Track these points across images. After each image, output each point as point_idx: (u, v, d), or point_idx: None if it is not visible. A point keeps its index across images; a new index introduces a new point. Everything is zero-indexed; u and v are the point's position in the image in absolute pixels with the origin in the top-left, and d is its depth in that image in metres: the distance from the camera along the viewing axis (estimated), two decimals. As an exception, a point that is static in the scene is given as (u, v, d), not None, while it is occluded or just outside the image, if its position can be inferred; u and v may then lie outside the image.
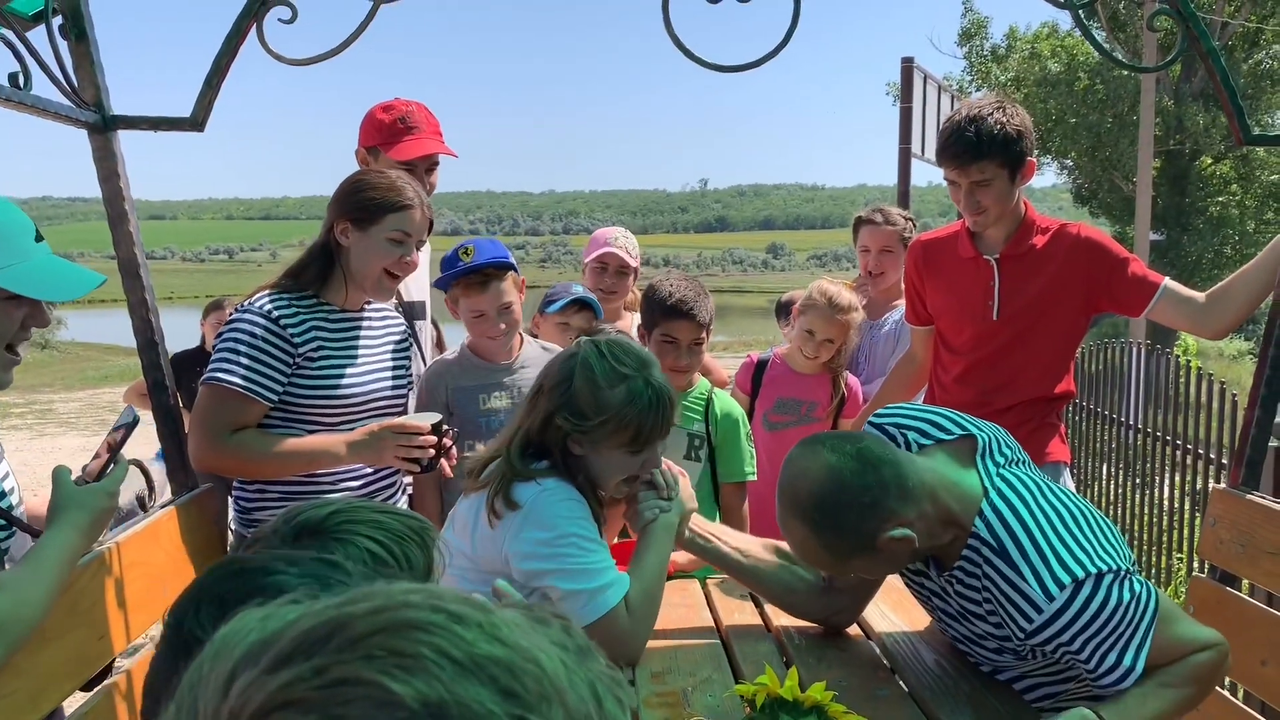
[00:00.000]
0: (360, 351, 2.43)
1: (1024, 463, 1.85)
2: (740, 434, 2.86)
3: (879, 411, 1.97)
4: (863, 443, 1.71)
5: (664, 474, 2.06)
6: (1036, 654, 1.73)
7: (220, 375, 2.25)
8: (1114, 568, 1.63)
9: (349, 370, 2.38)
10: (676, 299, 2.79)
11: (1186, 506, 5.51)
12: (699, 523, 2.14)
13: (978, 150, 2.61)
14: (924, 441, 1.82)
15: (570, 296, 3.16)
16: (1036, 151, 2.76)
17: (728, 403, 2.91)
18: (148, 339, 2.44)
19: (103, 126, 2.34)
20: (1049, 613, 1.62)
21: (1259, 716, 2.23)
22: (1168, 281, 2.74)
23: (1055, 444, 2.84)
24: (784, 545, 2.26)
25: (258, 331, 2.27)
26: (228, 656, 0.51)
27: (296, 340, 2.30)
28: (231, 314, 2.36)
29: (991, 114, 2.62)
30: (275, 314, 2.30)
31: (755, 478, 2.90)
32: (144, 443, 3.10)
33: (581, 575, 1.83)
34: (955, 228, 2.90)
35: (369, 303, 2.50)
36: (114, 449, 1.84)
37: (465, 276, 2.68)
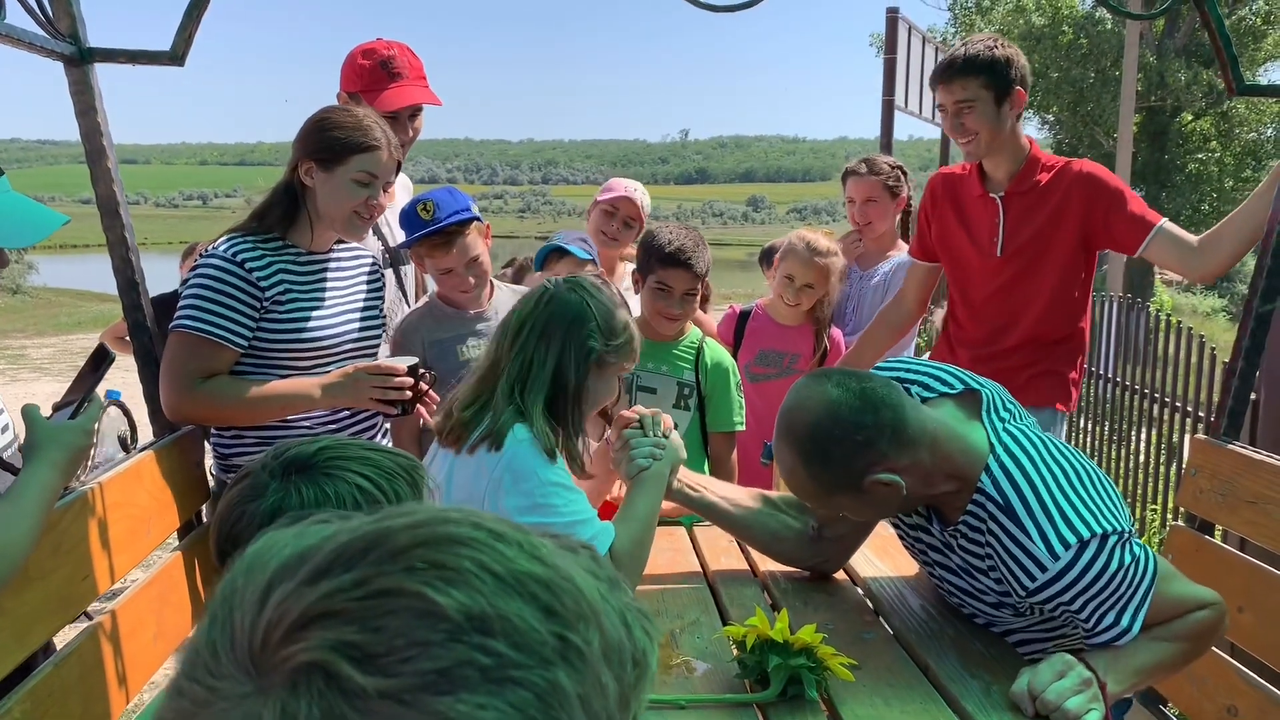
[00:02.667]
0: (329, 294, 2.38)
1: (1022, 418, 1.85)
2: (730, 383, 2.86)
3: (881, 364, 1.97)
4: (869, 382, 1.71)
5: (656, 421, 2.05)
6: (1035, 611, 1.74)
7: (188, 322, 2.21)
8: (1118, 529, 1.64)
9: (317, 313, 2.34)
10: (675, 247, 2.77)
11: (1162, 459, 5.58)
12: (686, 473, 2.14)
13: (963, 67, 2.72)
14: (927, 395, 1.82)
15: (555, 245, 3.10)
16: (1024, 89, 2.78)
17: (719, 352, 2.90)
18: (128, 279, 2.40)
19: (79, 59, 2.27)
20: (1053, 571, 1.62)
21: (1230, 659, 2.27)
22: (1164, 221, 2.76)
23: (1058, 390, 2.87)
24: (771, 494, 2.27)
25: (224, 276, 2.23)
26: (262, 569, 0.49)
27: (263, 284, 2.25)
28: (197, 259, 2.31)
29: (982, 40, 2.77)
30: (241, 258, 2.25)
31: (744, 428, 2.89)
32: (119, 387, 3.07)
33: (566, 528, 1.81)
34: (971, 165, 2.95)
35: (339, 242, 2.45)
36: (88, 388, 1.81)
37: (428, 238, 2.62)
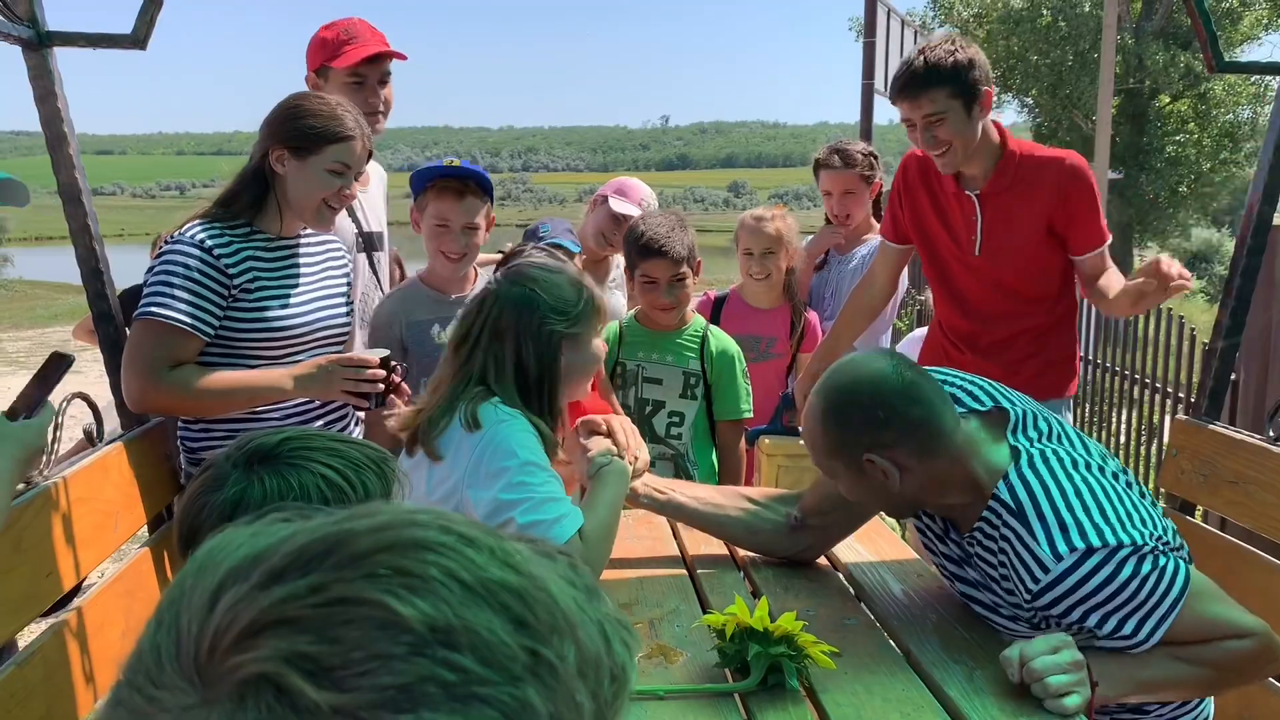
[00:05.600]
0: (297, 281, 2.34)
1: (1061, 437, 1.80)
2: (736, 371, 2.84)
3: (932, 370, 1.94)
4: (922, 379, 1.73)
5: (625, 430, 2.04)
6: (1049, 623, 1.69)
7: (154, 309, 2.15)
8: (1133, 542, 1.58)
9: (287, 301, 2.30)
10: (648, 237, 2.74)
11: (1143, 440, 5.60)
12: (651, 478, 2.13)
13: (926, 79, 2.57)
14: (958, 409, 1.79)
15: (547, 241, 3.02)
16: (997, 89, 2.73)
17: (724, 340, 2.88)
18: (92, 268, 2.34)
19: (37, 43, 2.22)
20: (1055, 573, 1.59)
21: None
22: (1106, 246, 2.75)
23: (1065, 378, 2.84)
24: (744, 489, 2.26)
25: (191, 263, 2.17)
26: (214, 571, 0.46)
27: (231, 271, 2.20)
28: (163, 246, 2.26)
29: (939, 46, 2.61)
30: (209, 244, 2.19)
31: (751, 414, 2.87)
32: (95, 380, 3.02)
33: (541, 506, 1.79)
34: None
35: (305, 230, 2.41)
36: (43, 394, 1.75)
37: (443, 178, 2.59)
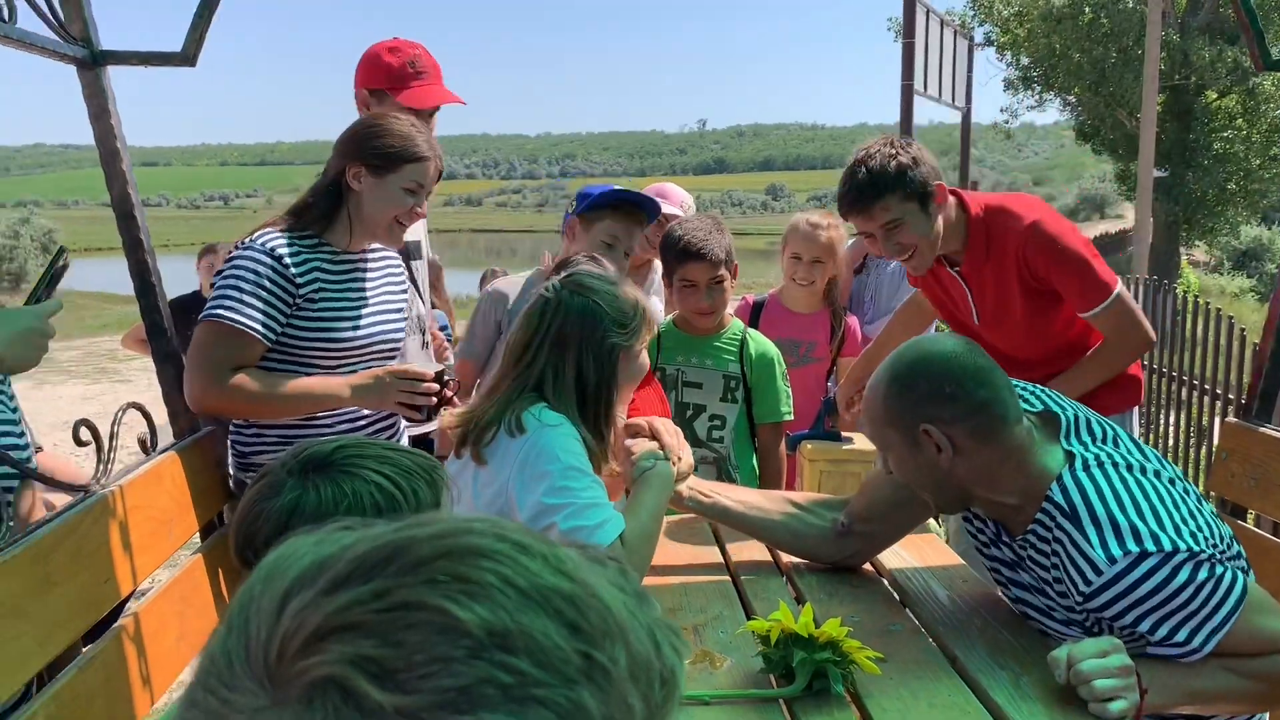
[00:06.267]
0: (360, 295, 2.38)
1: (1117, 441, 1.78)
2: (776, 373, 2.84)
3: None
4: (994, 368, 1.75)
5: (669, 431, 2.06)
6: (1102, 626, 1.67)
7: (221, 312, 2.20)
8: (1189, 549, 1.56)
9: (348, 314, 2.34)
10: (685, 241, 2.74)
11: (1192, 442, 5.51)
12: (697, 481, 2.14)
13: (874, 189, 2.48)
14: None
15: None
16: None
17: (763, 343, 2.88)
18: (145, 281, 2.39)
19: (91, 62, 2.27)
20: (1108, 576, 1.57)
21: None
22: (1110, 302, 2.57)
23: (1120, 399, 2.72)
24: (791, 494, 2.26)
25: (261, 270, 2.22)
26: (281, 578, 0.48)
27: (299, 280, 2.25)
28: (232, 251, 2.31)
29: (879, 150, 2.51)
30: (279, 252, 2.25)
31: (792, 417, 2.87)
32: (144, 389, 3.08)
33: (583, 511, 1.81)
34: None
35: (370, 245, 2.46)
36: (47, 284, 1.85)
37: (627, 203, 2.80)
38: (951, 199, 2.61)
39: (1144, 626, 1.59)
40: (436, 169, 2.36)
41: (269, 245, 2.25)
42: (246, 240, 2.30)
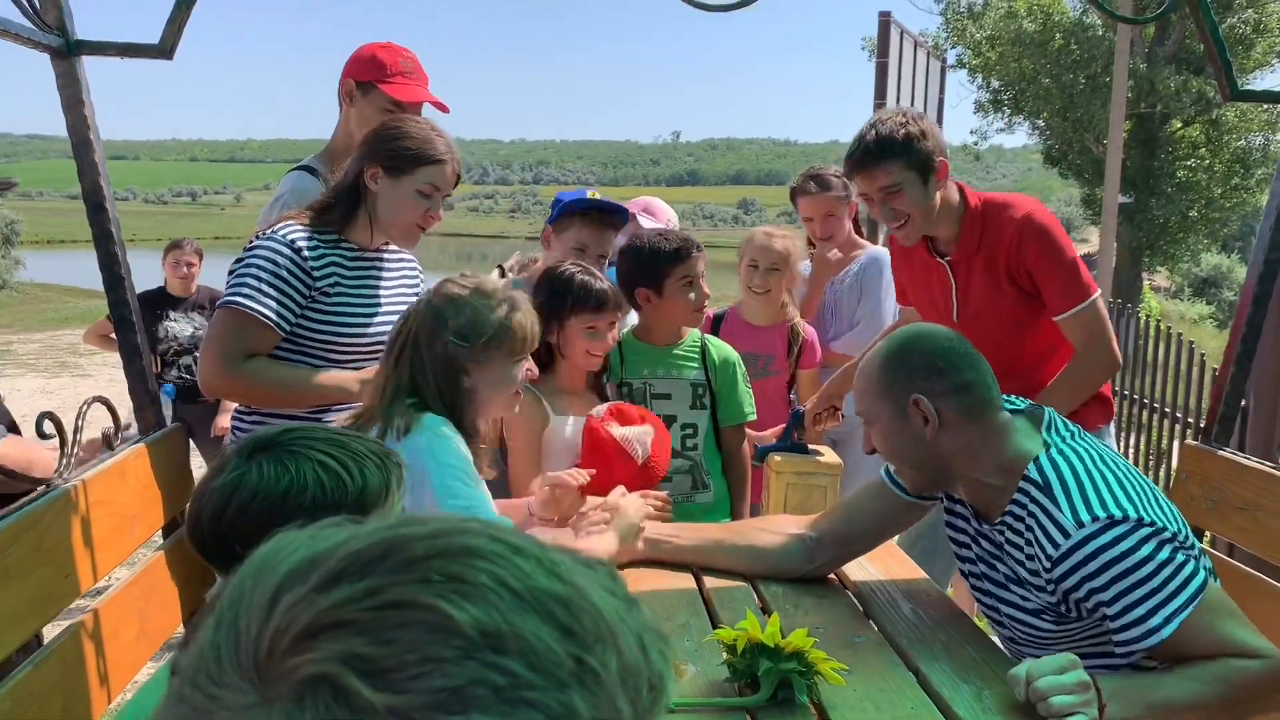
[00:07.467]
0: (374, 294, 2.40)
1: (1084, 437, 1.87)
2: (738, 376, 2.87)
3: None
4: (982, 360, 1.87)
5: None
6: (1073, 607, 1.70)
7: (239, 299, 2.21)
8: (1154, 523, 1.63)
9: (361, 311, 2.36)
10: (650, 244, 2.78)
11: (1151, 464, 5.59)
12: (653, 526, 2.21)
13: (879, 152, 2.55)
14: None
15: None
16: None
17: (723, 348, 2.91)
18: (114, 275, 2.37)
19: (66, 51, 2.25)
20: (1075, 539, 1.63)
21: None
22: (1086, 305, 2.59)
23: (1100, 412, 2.74)
24: (747, 522, 2.32)
25: (280, 260, 2.24)
26: (272, 573, 0.47)
27: (316, 273, 2.27)
28: (251, 241, 2.32)
29: (890, 119, 2.59)
30: (298, 244, 2.27)
31: (755, 417, 2.90)
32: (105, 384, 3.04)
33: (465, 512, 1.83)
34: None
35: (386, 245, 2.47)
36: None
37: (596, 210, 2.84)
38: (954, 186, 2.69)
39: (1105, 597, 1.63)
40: (454, 173, 2.36)
41: (289, 236, 2.27)
42: (269, 230, 2.31)
